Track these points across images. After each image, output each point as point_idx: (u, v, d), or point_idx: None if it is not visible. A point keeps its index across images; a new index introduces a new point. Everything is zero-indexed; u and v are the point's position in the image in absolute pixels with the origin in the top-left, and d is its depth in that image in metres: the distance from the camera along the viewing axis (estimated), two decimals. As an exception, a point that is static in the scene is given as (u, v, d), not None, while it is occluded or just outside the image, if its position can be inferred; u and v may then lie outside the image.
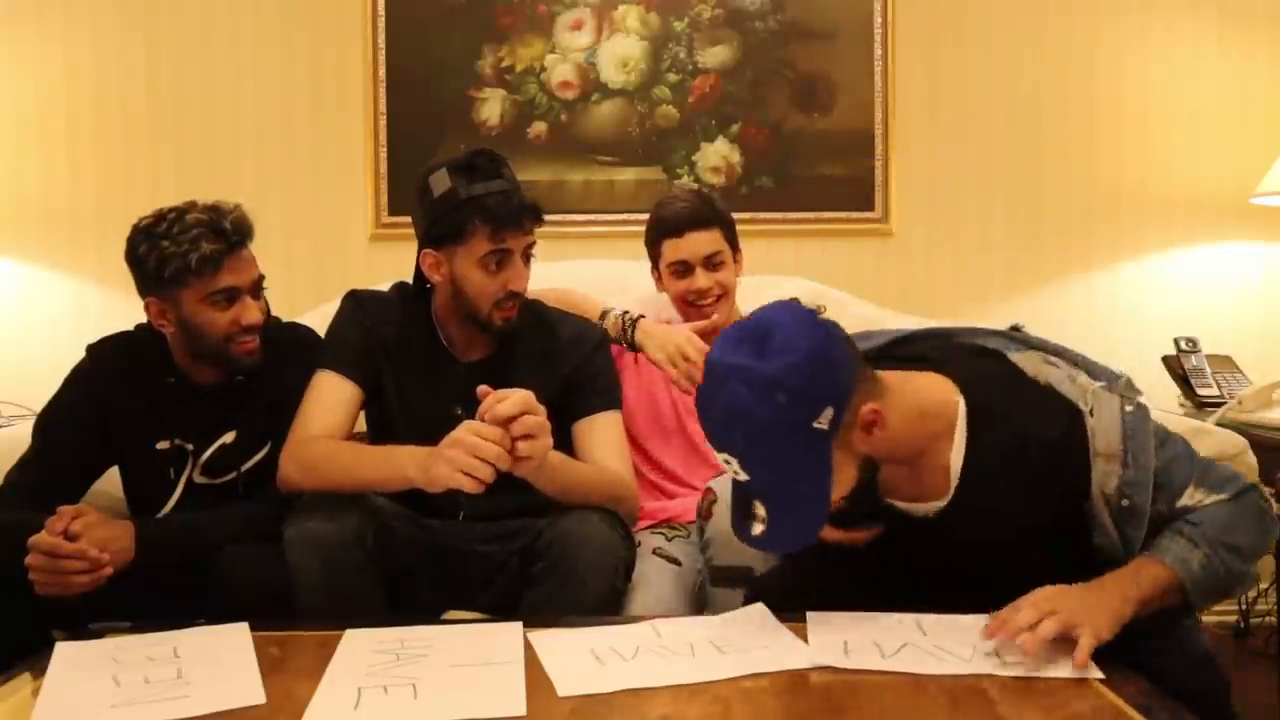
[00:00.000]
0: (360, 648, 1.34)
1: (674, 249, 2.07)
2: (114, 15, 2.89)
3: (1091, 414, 1.33)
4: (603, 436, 1.80)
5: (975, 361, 1.42)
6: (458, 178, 1.72)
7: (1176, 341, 2.71)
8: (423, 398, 1.79)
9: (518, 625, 1.41)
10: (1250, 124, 2.93)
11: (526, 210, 1.73)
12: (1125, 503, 1.32)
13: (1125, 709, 1.12)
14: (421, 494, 1.74)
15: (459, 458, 1.46)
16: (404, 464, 1.55)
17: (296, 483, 1.66)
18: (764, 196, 2.90)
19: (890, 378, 1.35)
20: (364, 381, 1.78)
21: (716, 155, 2.92)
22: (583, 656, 1.29)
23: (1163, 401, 2.67)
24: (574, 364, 1.83)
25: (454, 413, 1.68)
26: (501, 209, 1.70)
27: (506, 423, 1.47)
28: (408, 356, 1.82)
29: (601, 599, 1.58)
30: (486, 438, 1.45)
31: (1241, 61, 2.95)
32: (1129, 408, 1.34)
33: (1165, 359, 2.72)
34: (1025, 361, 1.40)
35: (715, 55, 2.93)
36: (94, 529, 1.55)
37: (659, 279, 2.16)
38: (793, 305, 1.31)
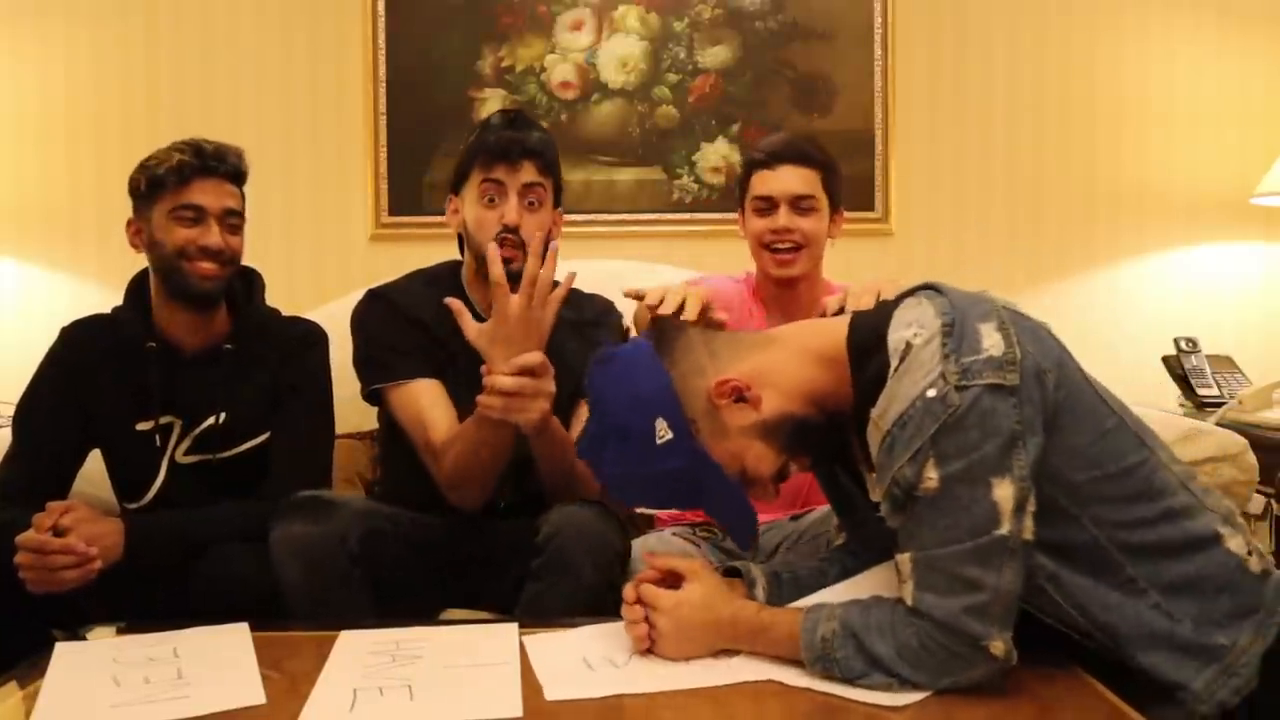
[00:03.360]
0: (355, 649, 1.34)
1: (761, 181, 1.92)
2: (114, 16, 2.89)
3: (894, 373, 1.14)
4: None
5: (882, 306, 1.27)
6: (483, 126, 1.83)
7: (1176, 341, 2.72)
8: (462, 363, 1.77)
9: (513, 626, 1.41)
10: (1250, 124, 2.93)
11: (520, 148, 1.78)
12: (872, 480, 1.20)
13: (1123, 708, 1.12)
14: (432, 493, 1.77)
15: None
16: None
17: (475, 498, 1.73)
18: (764, 196, 2.90)
19: (778, 332, 1.30)
20: (433, 372, 1.79)
21: (716, 155, 2.92)
22: (574, 661, 1.29)
23: (1162, 401, 2.67)
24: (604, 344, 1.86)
25: (488, 373, 1.68)
26: (492, 144, 1.78)
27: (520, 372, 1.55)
28: (446, 331, 1.77)
29: (598, 593, 1.59)
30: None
31: (1241, 61, 2.95)
32: (932, 392, 1.11)
33: (1165, 359, 2.73)
34: (906, 309, 1.20)
35: (715, 55, 2.93)
36: (83, 524, 1.54)
37: (742, 223, 2.00)
38: (599, 355, 1.31)
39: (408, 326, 1.83)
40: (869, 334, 1.20)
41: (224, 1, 2.90)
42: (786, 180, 1.90)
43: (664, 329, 1.30)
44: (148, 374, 1.77)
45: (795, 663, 1.22)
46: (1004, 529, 1.11)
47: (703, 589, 1.28)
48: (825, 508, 1.87)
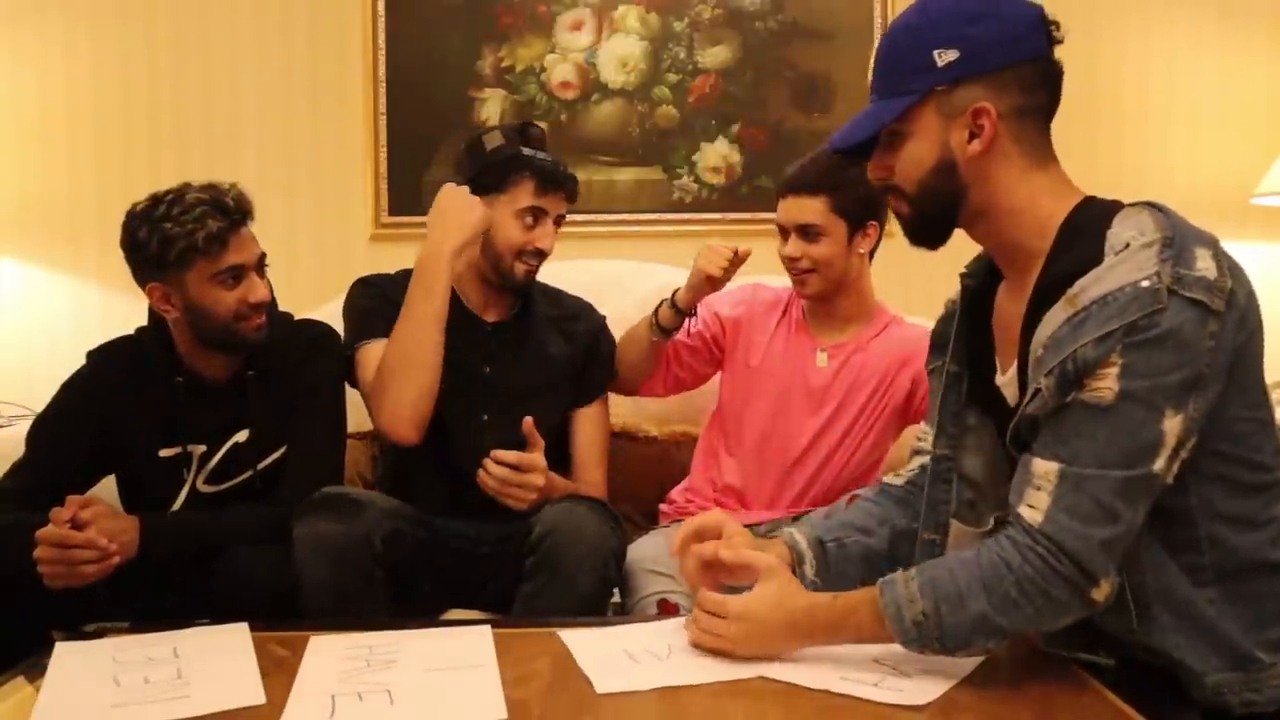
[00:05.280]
0: (327, 654, 1.32)
1: (778, 209, 1.97)
2: (114, 16, 2.90)
3: (1108, 262, 1.10)
4: (588, 435, 1.97)
5: (1111, 203, 1.21)
6: (511, 137, 1.91)
7: (1176, 341, 2.71)
8: (453, 357, 1.84)
9: (486, 628, 1.41)
10: (1250, 124, 2.93)
11: (570, 179, 1.91)
12: (1035, 355, 1.13)
13: (1124, 709, 1.12)
14: (432, 493, 1.80)
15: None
16: (438, 256, 1.81)
17: (398, 401, 1.78)
18: (764, 196, 2.89)
19: (1051, 166, 1.22)
20: None
21: (716, 155, 2.92)
22: (616, 654, 1.29)
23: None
24: (586, 339, 1.99)
25: (483, 371, 1.84)
26: (550, 170, 1.88)
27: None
28: None
29: (592, 591, 1.60)
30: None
31: (1242, 61, 2.95)
32: (1146, 283, 1.06)
33: (1165, 359, 2.72)
34: (1127, 215, 1.15)
35: (715, 55, 2.93)
36: (102, 519, 1.54)
37: None
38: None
39: (385, 301, 1.90)
40: (1090, 220, 1.16)
41: (224, 2, 2.90)
42: (791, 210, 1.94)
43: (1052, 71, 1.21)
44: (174, 403, 1.76)
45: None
46: (1158, 464, 1.07)
47: (776, 585, 1.25)
48: (826, 508, 1.87)
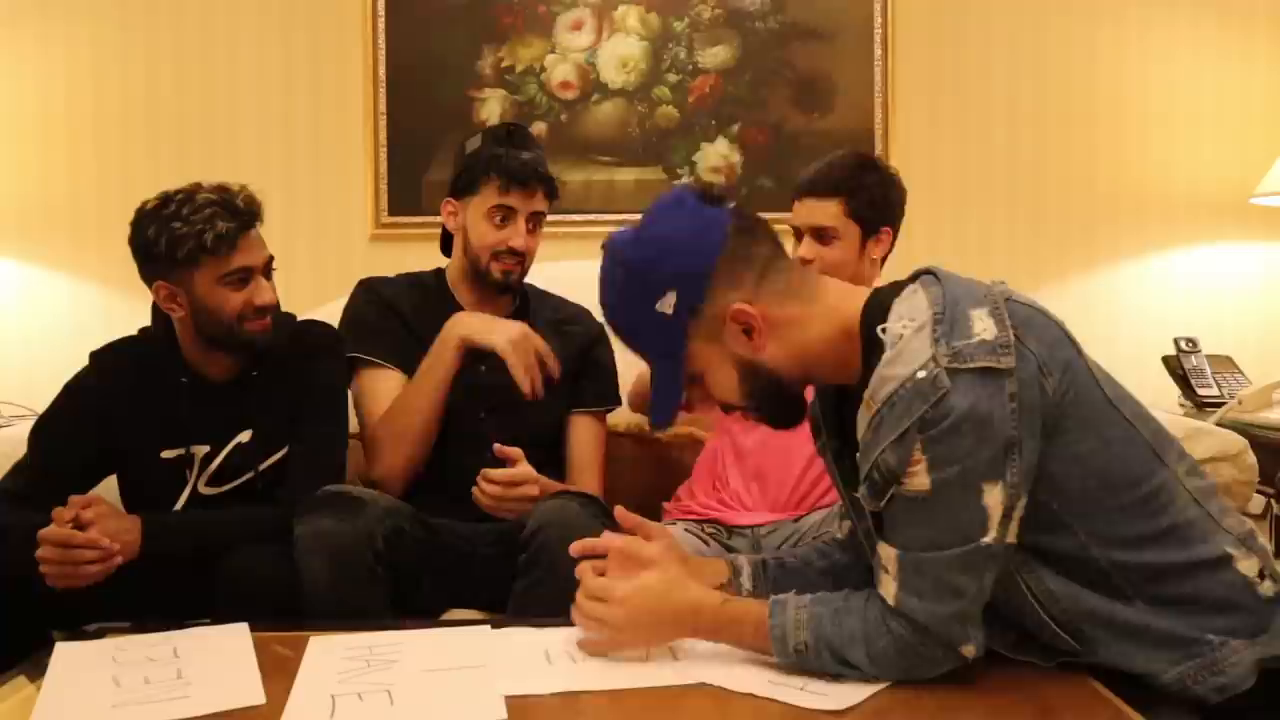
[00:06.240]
0: (328, 654, 1.32)
1: (793, 211, 1.97)
2: (114, 16, 2.90)
3: (885, 360, 1.12)
4: (584, 441, 1.98)
5: (894, 285, 1.22)
6: (489, 140, 1.92)
7: (1176, 341, 2.72)
8: None
9: (486, 628, 1.40)
10: (1250, 124, 2.93)
11: (536, 176, 1.89)
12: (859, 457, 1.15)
13: (1124, 708, 1.12)
14: (431, 493, 1.81)
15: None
16: (446, 339, 1.86)
17: (392, 465, 1.85)
18: (764, 197, 2.89)
19: (824, 285, 1.25)
20: (400, 361, 1.91)
21: (716, 155, 2.93)
22: (534, 656, 1.28)
23: (1163, 401, 2.67)
24: (583, 344, 2.01)
25: (479, 368, 1.87)
26: (513, 169, 1.87)
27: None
28: (428, 325, 1.92)
29: None
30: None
31: (1241, 61, 2.95)
32: (922, 374, 1.07)
33: (1165, 359, 2.73)
34: (902, 300, 1.17)
35: (715, 55, 2.93)
36: (105, 519, 1.54)
37: None
38: (682, 188, 1.27)
39: (387, 311, 1.96)
40: (878, 316, 1.17)
41: (224, 1, 2.90)
42: (806, 212, 1.94)
43: (749, 223, 1.24)
44: (177, 404, 1.75)
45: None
46: (990, 536, 1.10)
47: (662, 577, 1.24)
48: (825, 510, 1.87)
